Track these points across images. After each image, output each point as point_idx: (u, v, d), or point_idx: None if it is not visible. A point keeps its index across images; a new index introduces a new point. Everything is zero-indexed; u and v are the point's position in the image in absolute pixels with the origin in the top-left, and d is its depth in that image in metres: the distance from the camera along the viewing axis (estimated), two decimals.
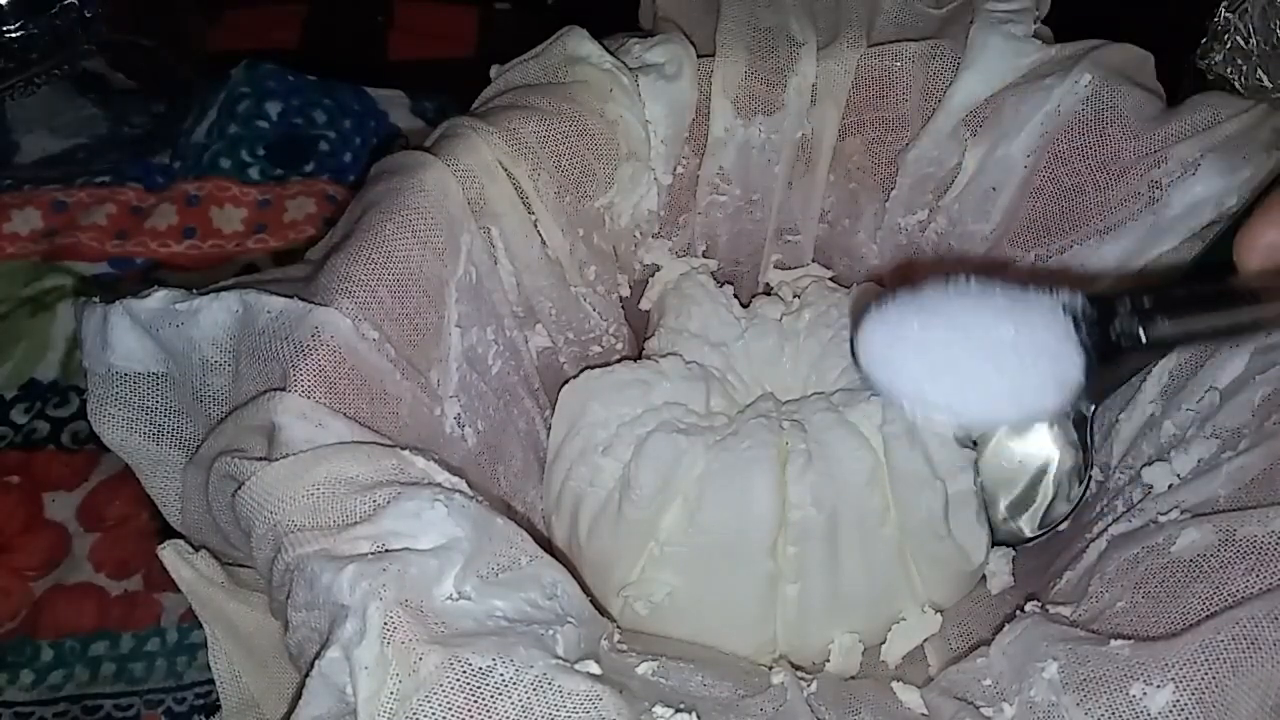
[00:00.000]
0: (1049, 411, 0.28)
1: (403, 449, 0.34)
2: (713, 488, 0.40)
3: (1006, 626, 0.36)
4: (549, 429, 0.46)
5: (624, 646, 0.36)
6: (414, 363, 0.38)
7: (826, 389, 0.44)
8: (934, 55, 0.45)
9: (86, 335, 0.37)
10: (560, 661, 0.30)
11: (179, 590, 0.34)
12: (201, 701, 0.48)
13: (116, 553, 0.52)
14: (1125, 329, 0.28)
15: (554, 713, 0.28)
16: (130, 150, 0.65)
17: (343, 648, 0.29)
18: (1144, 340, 0.27)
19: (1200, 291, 0.29)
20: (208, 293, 0.36)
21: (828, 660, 0.42)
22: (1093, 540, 0.38)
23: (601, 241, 0.46)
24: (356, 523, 0.31)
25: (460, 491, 0.33)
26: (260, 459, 0.32)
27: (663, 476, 0.40)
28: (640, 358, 0.46)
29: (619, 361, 0.46)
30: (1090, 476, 0.42)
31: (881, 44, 0.45)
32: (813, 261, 0.50)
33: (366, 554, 0.30)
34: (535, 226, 0.43)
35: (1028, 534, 0.44)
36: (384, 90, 0.68)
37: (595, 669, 0.30)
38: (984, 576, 0.44)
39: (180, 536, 0.36)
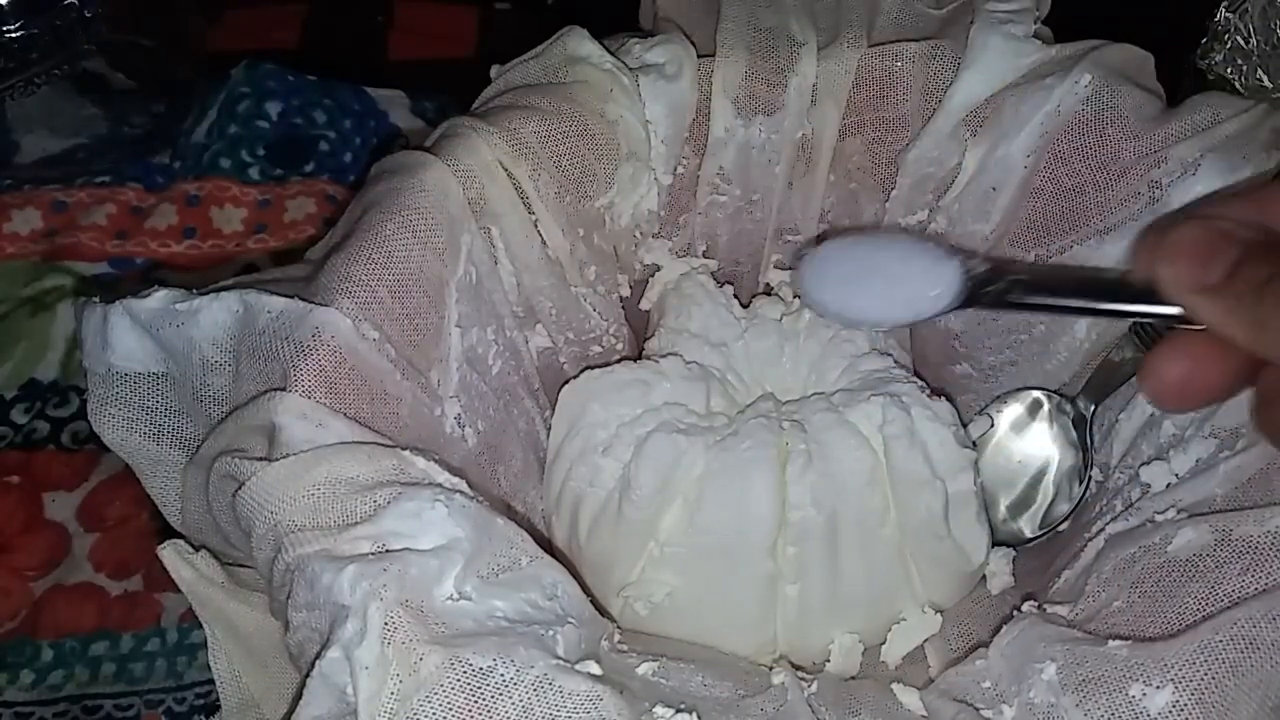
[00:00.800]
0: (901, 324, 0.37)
1: (403, 449, 0.34)
2: (713, 488, 0.40)
3: (1004, 628, 0.36)
4: (549, 429, 0.46)
5: (624, 647, 0.36)
6: (414, 363, 0.38)
7: (826, 389, 0.45)
8: (934, 55, 0.45)
9: (86, 335, 0.37)
10: (561, 662, 0.30)
11: (179, 590, 0.34)
12: (201, 701, 0.48)
13: (116, 553, 0.52)
14: (996, 290, 0.33)
15: (554, 713, 0.28)
16: (130, 150, 0.65)
17: (343, 648, 0.29)
18: (1005, 301, 0.34)
19: (1067, 277, 0.36)
20: (208, 293, 0.36)
21: (828, 660, 0.42)
22: (1091, 539, 0.38)
23: (602, 241, 0.46)
24: (357, 523, 0.31)
25: (460, 492, 0.33)
26: (260, 459, 0.32)
27: (663, 477, 0.40)
28: (640, 358, 0.46)
29: (619, 361, 0.46)
30: (1090, 476, 0.42)
31: (882, 44, 0.45)
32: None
33: (367, 554, 0.30)
34: (535, 226, 0.43)
35: (1028, 534, 0.44)
36: (384, 90, 0.68)
37: (596, 669, 0.31)
38: (984, 577, 0.44)
39: (180, 536, 0.36)
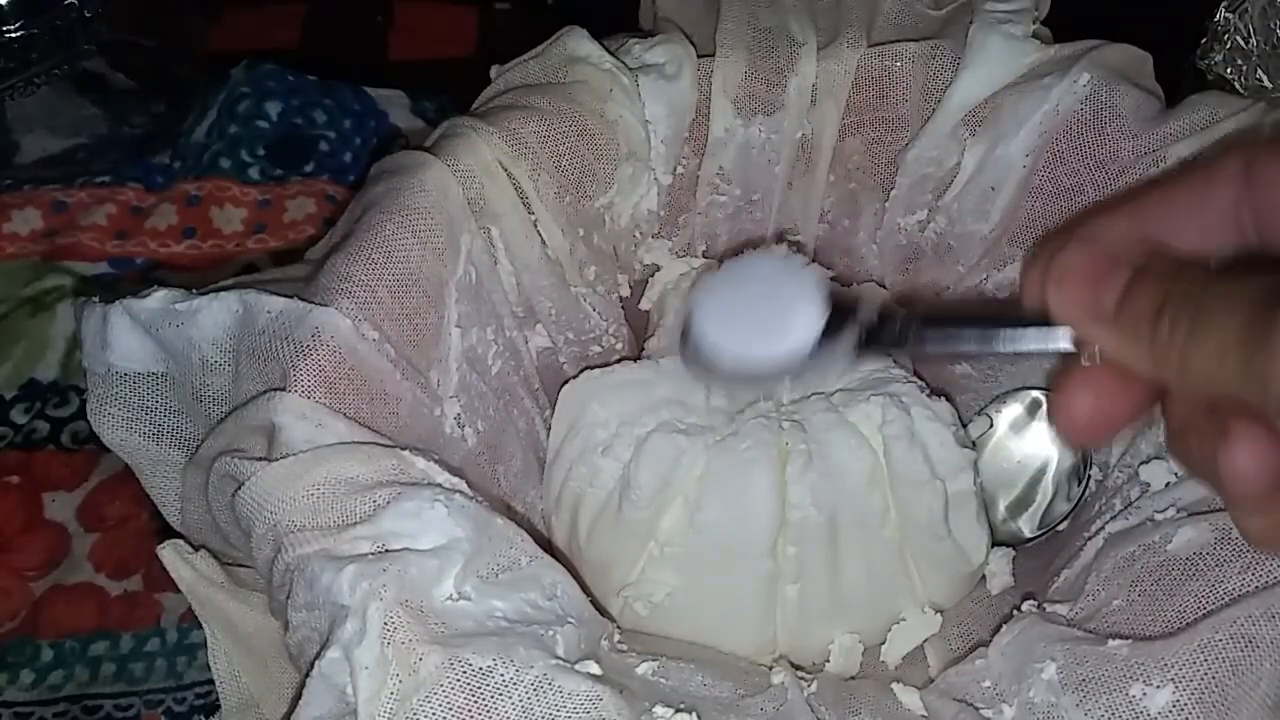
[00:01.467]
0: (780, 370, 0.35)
1: (403, 449, 0.34)
2: (713, 488, 0.40)
3: (1004, 627, 0.36)
4: (549, 429, 0.46)
5: (624, 647, 0.36)
6: (414, 363, 0.38)
7: (826, 389, 0.45)
8: (934, 55, 0.45)
9: (86, 335, 0.37)
10: (560, 662, 0.30)
11: (179, 590, 0.34)
12: (201, 701, 0.48)
13: (116, 553, 0.52)
14: (889, 337, 0.32)
15: (554, 713, 0.29)
16: (130, 150, 0.65)
17: (343, 648, 0.29)
18: (902, 346, 0.33)
19: (962, 314, 0.34)
20: (208, 293, 0.36)
21: (828, 660, 0.42)
22: (1090, 538, 0.38)
23: (601, 241, 0.46)
24: (356, 523, 0.31)
25: (460, 492, 0.33)
26: (260, 459, 0.32)
27: (663, 477, 0.40)
28: (640, 358, 0.46)
29: (619, 361, 0.46)
30: (1089, 476, 0.42)
31: (881, 44, 0.45)
32: (813, 262, 0.50)
33: (366, 554, 0.31)
34: (535, 227, 0.43)
35: (1027, 534, 0.44)
36: (384, 90, 0.68)
37: (595, 669, 0.31)
38: (984, 577, 0.44)
39: (180, 536, 0.36)
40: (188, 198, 0.64)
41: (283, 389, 0.34)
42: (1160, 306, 0.24)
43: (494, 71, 0.45)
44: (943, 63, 0.44)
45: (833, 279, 0.50)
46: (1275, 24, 0.53)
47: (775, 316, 0.34)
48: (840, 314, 0.33)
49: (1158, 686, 0.30)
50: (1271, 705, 0.29)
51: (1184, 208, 0.27)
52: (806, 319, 0.33)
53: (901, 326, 0.32)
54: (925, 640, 0.43)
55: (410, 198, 0.39)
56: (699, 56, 0.45)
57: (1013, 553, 0.44)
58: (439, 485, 0.33)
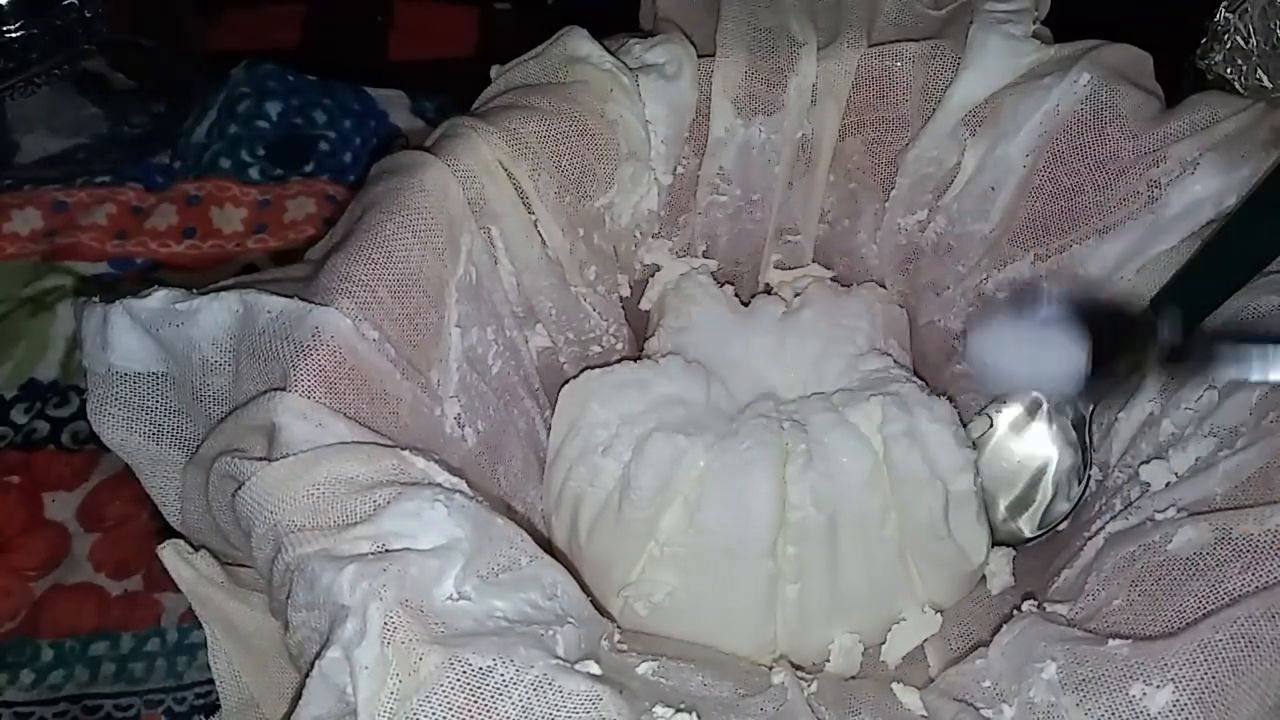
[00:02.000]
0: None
1: (403, 449, 0.34)
2: (713, 488, 0.40)
3: (1004, 627, 0.36)
4: (549, 429, 0.46)
5: (624, 646, 0.36)
6: (414, 363, 0.38)
7: (826, 388, 0.45)
8: (934, 55, 0.45)
9: (86, 335, 0.37)
10: (560, 662, 0.30)
11: (179, 590, 0.34)
12: (201, 701, 0.48)
13: (116, 553, 0.52)
14: (1190, 359, 0.33)
15: (554, 713, 0.29)
16: (130, 150, 0.65)
17: (343, 648, 0.29)
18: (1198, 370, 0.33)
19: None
20: (208, 293, 0.36)
21: (828, 660, 0.42)
22: (1090, 538, 0.38)
23: (601, 241, 0.46)
24: (357, 523, 0.31)
25: (460, 492, 0.33)
26: (260, 459, 0.32)
27: (663, 477, 0.40)
28: (640, 358, 0.46)
29: (619, 361, 0.46)
30: (1089, 476, 0.42)
31: (881, 44, 0.45)
32: (813, 261, 0.50)
33: (367, 554, 0.31)
34: (535, 226, 0.43)
35: (1027, 534, 0.44)
36: (384, 90, 0.68)
37: (595, 669, 0.31)
38: (984, 576, 0.44)
39: (180, 536, 0.36)
40: (188, 198, 0.64)
41: (283, 389, 0.34)
42: None
43: (494, 71, 0.45)
44: (943, 63, 0.44)
45: (833, 279, 0.50)
46: (1275, 24, 0.53)
47: (1042, 338, 0.37)
48: (1136, 331, 0.34)
49: (1158, 686, 0.30)
50: (1272, 706, 0.29)
51: None
52: (1072, 337, 0.36)
53: (1207, 347, 0.31)
54: (925, 640, 0.43)
55: (410, 198, 0.39)
56: (699, 56, 0.45)
57: (1013, 553, 0.44)
58: (439, 485, 0.33)
